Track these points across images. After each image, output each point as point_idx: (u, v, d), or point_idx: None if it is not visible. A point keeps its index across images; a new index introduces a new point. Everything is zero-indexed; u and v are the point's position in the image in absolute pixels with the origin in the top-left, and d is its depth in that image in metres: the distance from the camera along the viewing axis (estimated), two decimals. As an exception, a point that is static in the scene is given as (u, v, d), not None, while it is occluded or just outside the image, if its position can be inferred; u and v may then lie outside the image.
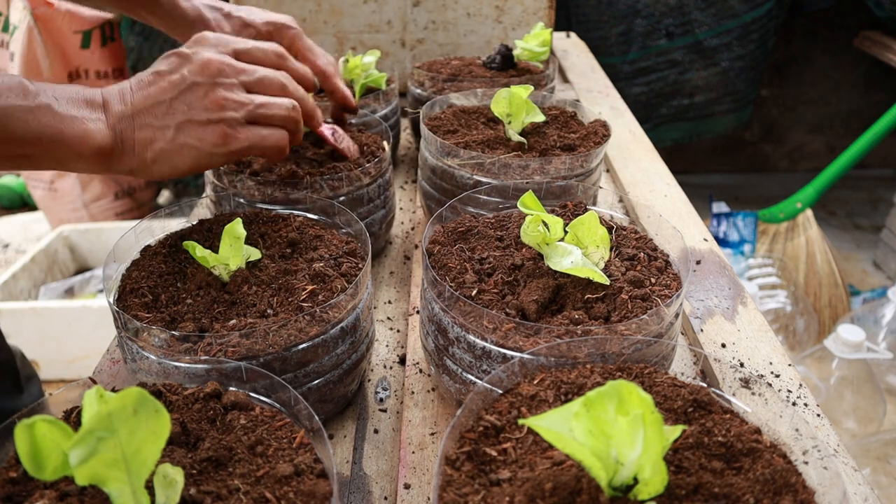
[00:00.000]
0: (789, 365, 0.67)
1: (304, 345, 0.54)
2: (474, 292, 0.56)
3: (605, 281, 0.54)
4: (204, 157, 0.65)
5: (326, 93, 0.88)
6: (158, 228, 0.67)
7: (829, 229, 2.75)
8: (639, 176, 1.05)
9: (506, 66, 1.13)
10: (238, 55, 0.69)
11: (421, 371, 0.67)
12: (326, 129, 0.80)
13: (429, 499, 0.53)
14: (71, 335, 1.92)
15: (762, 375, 0.65)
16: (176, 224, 0.68)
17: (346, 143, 0.81)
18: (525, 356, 0.49)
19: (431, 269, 0.58)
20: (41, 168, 0.61)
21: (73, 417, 0.45)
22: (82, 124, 0.60)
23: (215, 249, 0.60)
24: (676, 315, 0.56)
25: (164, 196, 2.95)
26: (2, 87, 0.56)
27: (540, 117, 0.82)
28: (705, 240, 0.88)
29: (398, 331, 0.76)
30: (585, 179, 0.80)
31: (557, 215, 0.65)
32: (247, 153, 0.67)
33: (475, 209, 0.74)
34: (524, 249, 0.60)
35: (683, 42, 2.50)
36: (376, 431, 0.62)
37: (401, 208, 1.02)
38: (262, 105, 0.66)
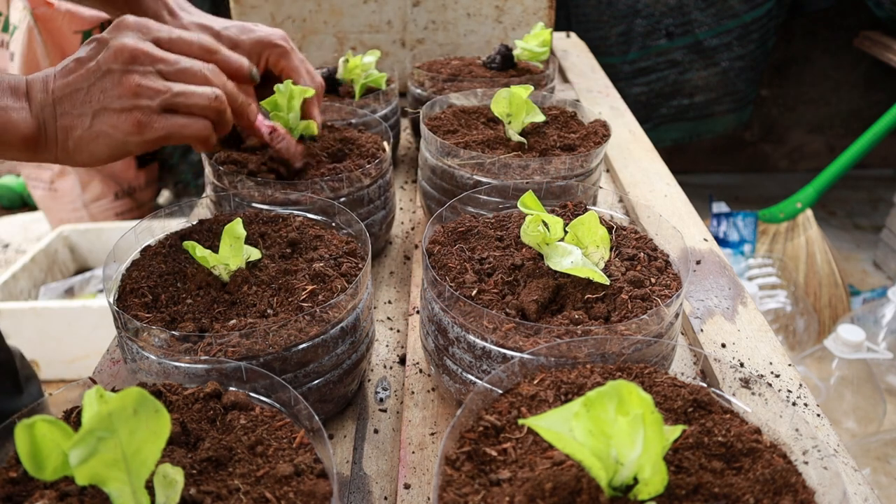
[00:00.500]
0: (789, 365, 0.67)
1: (304, 345, 0.54)
2: (474, 292, 0.56)
3: (605, 281, 0.54)
4: (119, 145, 0.64)
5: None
6: (158, 228, 0.67)
7: (829, 229, 2.75)
8: (639, 176, 1.05)
9: (506, 66, 1.13)
10: (160, 43, 0.66)
11: (421, 371, 0.67)
12: (263, 128, 0.75)
13: (429, 499, 0.53)
14: (71, 335, 1.92)
15: (762, 375, 0.65)
16: (176, 224, 0.68)
17: (284, 143, 0.76)
18: (525, 356, 0.49)
19: (431, 269, 0.58)
20: None
21: (73, 417, 0.45)
22: (6, 114, 0.61)
23: (215, 249, 0.60)
24: (676, 315, 0.56)
25: (164, 196, 2.95)
26: None
27: (540, 117, 0.82)
28: (705, 240, 0.88)
29: (398, 331, 0.76)
30: (585, 179, 0.80)
31: (557, 215, 0.65)
32: (165, 142, 0.66)
33: (475, 209, 0.74)
34: (524, 249, 0.60)
35: (683, 42, 2.50)
36: (376, 431, 0.62)
37: (401, 208, 1.02)
38: (179, 94, 0.64)
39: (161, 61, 0.65)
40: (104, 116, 0.62)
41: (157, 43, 0.66)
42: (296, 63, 0.84)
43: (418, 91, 1.09)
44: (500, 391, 0.47)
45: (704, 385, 0.47)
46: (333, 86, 1.05)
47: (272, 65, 0.84)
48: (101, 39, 0.64)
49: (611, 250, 0.60)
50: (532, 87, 0.81)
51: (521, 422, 0.39)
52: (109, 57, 0.63)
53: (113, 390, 0.36)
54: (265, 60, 0.84)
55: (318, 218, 0.70)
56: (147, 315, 0.55)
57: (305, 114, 0.82)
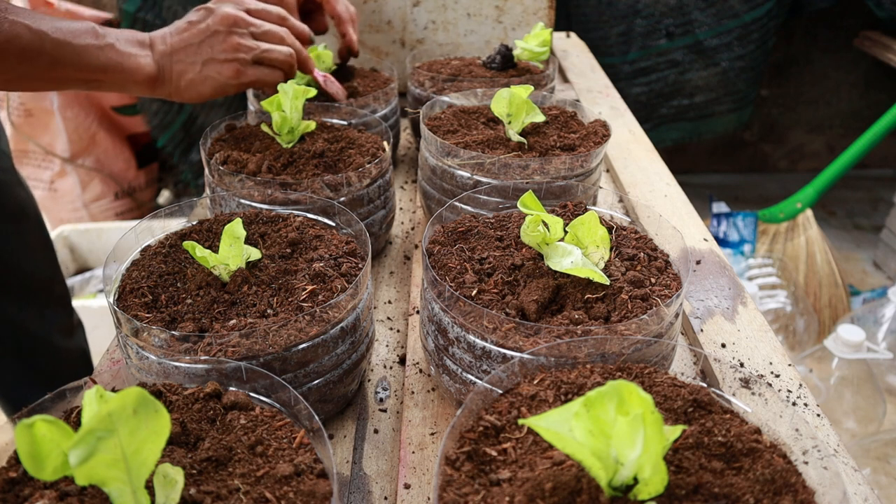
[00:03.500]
0: (789, 365, 0.67)
1: (304, 345, 0.54)
2: (474, 292, 0.56)
3: (605, 281, 0.54)
4: (220, 86, 0.86)
5: (338, 34, 1.10)
6: (158, 228, 0.67)
7: (829, 229, 2.75)
8: (639, 176, 1.05)
9: (506, 66, 1.13)
10: (249, 12, 0.89)
11: (421, 371, 0.67)
12: (319, 76, 1.00)
13: (429, 499, 0.53)
14: (71, 335, 1.91)
15: (762, 375, 0.65)
16: (176, 224, 0.68)
17: (334, 87, 1.02)
18: (525, 356, 0.49)
19: (431, 269, 0.58)
20: (106, 90, 0.83)
21: (73, 417, 0.45)
22: (136, 59, 0.81)
23: (215, 249, 0.60)
24: (676, 315, 0.56)
25: (164, 196, 2.95)
26: (79, 30, 0.76)
27: (540, 117, 0.82)
28: (705, 240, 0.88)
29: (398, 331, 0.76)
30: (585, 179, 0.80)
31: (557, 215, 0.65)
32: (252, 85, 0.88)
33: (475, 209, 0.74)
34: (524, 249, 0.60)
35: (683, 42, 2.50)
36: (376, 431, 0.62)
37: (401, 208, 1.02)
38: (266, 50, 0.87)
39: (252, 25, 0.87)
40: (211, 65, 0.85)
41: (248, 12, 0.88)
42: (339, 10, 1.10)
43: (418, 91, 1.09)
44: (500, 391, 0.47)
45: (704, 385, 0.47)
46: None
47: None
48: (208, 8, 0.87)
49: (611, 250, 0.60)
50: (532, 87, 0.81)
51: (521, 422, 0.39)
52: (216, 21, 0.85)
53: (113, 390, 0.36)
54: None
55: (318, 218, 0.70)
56: (147, 315, 0.55)
57: (343, 35, 1.09)
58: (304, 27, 0.97)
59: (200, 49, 0.84)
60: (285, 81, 0.87)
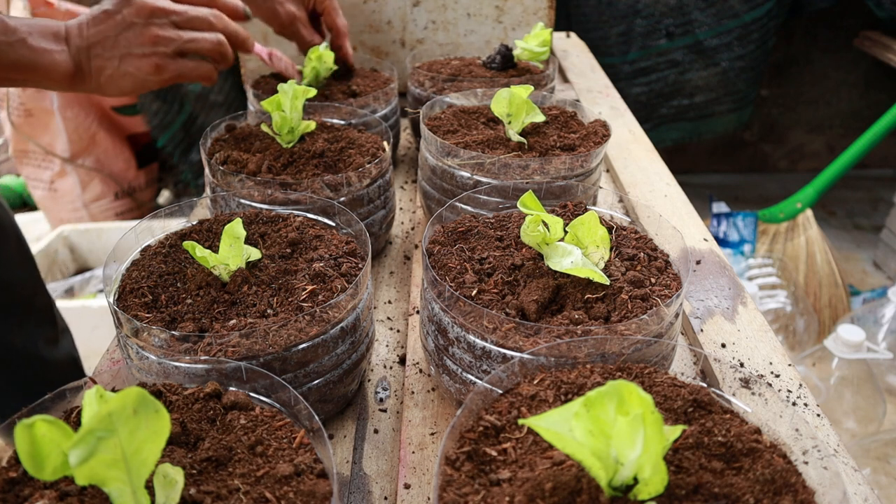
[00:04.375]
0: (789, 365, 0.67)
1: (304, 345, 0.54)
2: (474, 292, 0.56)
3: (605, 281, 0.54)
4: (141, 83, 0.81)
5: (333, 48, 1.08)
6: (158, 228, 0.67)
7: (829, 229, 2.75)
8: (639, 176, 1.05)
9: (506, 66, 1.13)
10: None
11: (421, 371, 0.67)
12: (263, 53, 0.98)
13: (429, 499, 0.53)
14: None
15: (762, 375, 0.65)
16: (176, 224, 0.68)
17: (282, 64, 1.00)
18: (525, 356, 0.49)
19: (431, 269, 0.58)
20: (27, 86, 0.79)
21: (73, 417, 0.45)
22: (51, 55, 0.76)
23: (215, 249, 0.60)
24: (676, 315, 0.56)
25: (164, 196, 2.95)
26: None
27: (540, 117, 0.82)
28: (705, 240, 0.88)
29: (398, 331, 0.76)
30: (585, 179, 0.80)
31: (557, 215, 0.65)
32: (178, 80, 0.83)
33: (475, 209, 0.74)
34: (524, 249, 0.60)
35: (683, 42, 2.50)
36: (376, 431, 0.62)
37: (401, 208, 1.02)
38: (189, 41, 0.81)
39: (174, 13, 0.81)
40: (129, 60, 0.79)
41: None
42: (336, 3, 1.09)
43: (418, 91, 1.09)
44: (500, 391, 0.47)
45: (704, 385, 0.47)
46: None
47: (317, 3, 1.07)
48: None
49: (611, 250, 0.60)
50: (532, 87, 0.81)
51: (521, 422, 0.39)
52: (132, 12, 0.78)
53: (113, 390, 0.36)
54: (313, 2, 1.07)
55: (318, 218, 0.70)
56: (147, 315, 0.55)
57: (339, 48, 1.08)
58: (235, 3, 0.91)
59: (117, 42, 0.78)
60: (218, 70, 0.85)
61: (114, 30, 0.78)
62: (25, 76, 0.75)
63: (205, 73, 0.84)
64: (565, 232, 0.58)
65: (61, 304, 1.92)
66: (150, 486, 0.37)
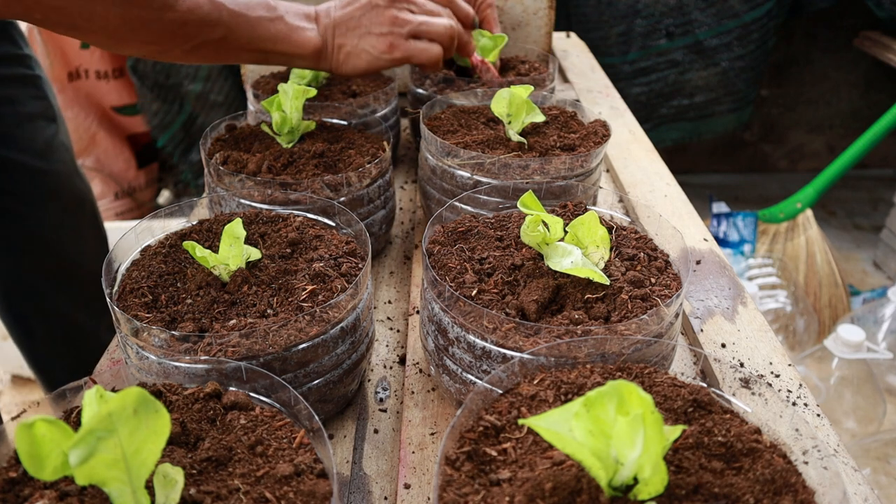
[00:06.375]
0: (789, 365, 0.67)
1: (304, 345, 0.54)
2: (474, 292, 0.56)
3: (605, 281, 0.54)
4: (374, 60, 0.88)
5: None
6: (158, 228, 0.67)
7: (829, 229, 2.75)
8: (639, 176, 1.05)
9: (506, 67, 1.13)
10: None
11: (421, 371, 0.67)
12: (477, 61, 1.02)
13: (429, 499, 0.53)
14: (71, 335, 1.91)
15: (762, 375, 0.65)
16: (176, 224, 0.68)
17: (489, 75, 1.03)
18: (525, 356, 0.49)
19: (431, 269, 0.58)
20: (272, 63, 0.86)
21: (73, 417, 0.45)
22: (304, 32, 0.85)
23: (215, 249, 0.60)
24: (676, 315, 0.56)
25: (164, 196, 2.95)
26: (252, 2, 0.80)
27: (540, 117, 0.82)
28: (705, 240, 0.88)
29: (398, 331, 0.76)
30: (585, 179, 0.80)
31: (557, 215, 0.65)
32: (407, 61, 0.89)
33: (475, 209, 0.74)
34: (524, 249, 0.60)
35: (683, 42, 2.50)
36: (376, 431, 0.62)
37: (401, 208, 1.02)
38: (423, 23, 0.89)
39: (413, 3, 0.90)
40: (367, 38, 0.87)
41: None
42: (495, 15, 1.12)
43: (418, 91, 1.09)
44: (500, 391, 0.47)
45: (704, 385, 0.47)
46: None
47: (477, 8, 1.11)
48: None
49: (611, 250, 0.60)
50: (532, 87, 0.81)
51: (521, 422, 0.39)
52: None
53: (113, 390, 0.36)
54: (478, 6, 1.11)
55: (318, 218, 0.70)
56: (147, 315, 0.55)
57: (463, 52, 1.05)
58: (468, 9, 0.98)
59: (360, 22, 0.87)
60: (443, 58, 0.91)
61: (359, 11, 0.87)
62: (281, 48, 0.83)
63: (434, 56, 0.90)
64: (565, 232, 0.58)
65: (61, 304, 1.92)
66: (150, 486, 0.37)
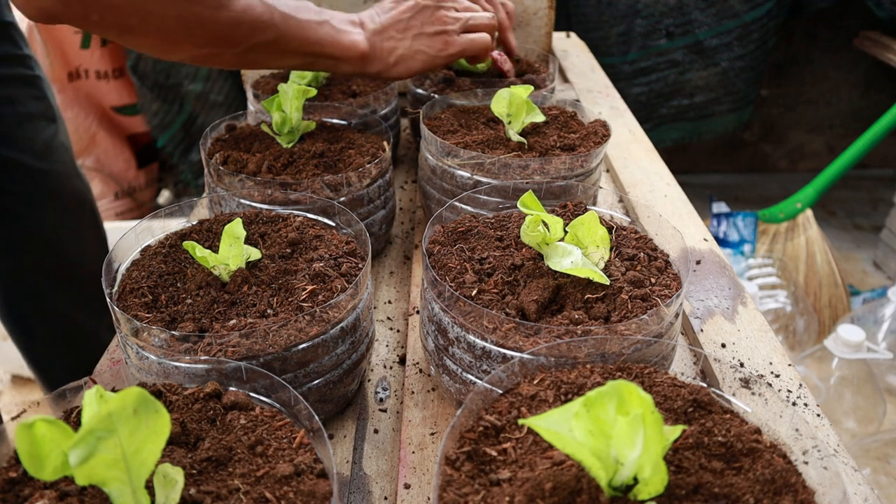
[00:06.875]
0: (789, 365, 0.67)
1: (304, 345, 0.54)
2: (474, 292, 0.56)
3: (605, 281, 0.54)
4: (430, 60, 0.90)
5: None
6: (158, 228, 0.67)
7: (829, 229, 2.75)
8: (639, 176, 1.05)
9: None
10: None
11: (421, 371, 0.67)
12: (494, 53, 1.06)
13: (429, 499, 0.53)
14: (71, 335, 1.91)
15: (762, 375, 0.65)
16: (176, 224, 0.68)
17: (507, 66, 1.07)
18: (525, 356, 0.49)
19: (431, 269, 0.58)
20: (318, 69, 0.86)
21: (73, 417, 0.45)
22: (351, 36, 0.85)
23: (215, 249, 0.60)
24: (676, 315, 0.56)
25: (164, 196, 2.95)
26: (300, 5, 0.80)
27: (540, 117, 0.82)
28: (705, 240, 0.88)
29: (398, 331, 0.76)
30: (585, 179, 0.80)
31: (557, 215, 0.65)
32: (461, 55, 0.92)
33: (475, 209, 0.74)
34: (524, 249, 0.60)
35: (683, 42, 2.50)
36: (376, 431, 0.62)
37: (401, 208, 1.02)
38: (471, 18, 0.93)
39: (456, 2, 0.93)
40: (420, 39, 0.89)
41: None
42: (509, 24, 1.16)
43: (418, 91, 1.09)
44: (500, 391, 0.47)
45: (704, 385, 0.47)
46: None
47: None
48: None
49: (611, 250, 0.60)
50: (532, 87, 0.81)
51: (521, 422, 0.39)
52: None
53: (113, 390, 0.36)
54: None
55: (318, 218, 0.70)
56: (147, 315, 0.55)
57: (504, 41, 1.12)
58: (495, 13, 1.04)
59: (410, 24, 0.88)
60: (490, 49, 0.96)
61: (406, 13, 0.88)
62: (329, 51, 0.82)
63: (486, 44, 0.93)
64: (565, 232, 0.58)
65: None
66: (150, 486, 0.37)
